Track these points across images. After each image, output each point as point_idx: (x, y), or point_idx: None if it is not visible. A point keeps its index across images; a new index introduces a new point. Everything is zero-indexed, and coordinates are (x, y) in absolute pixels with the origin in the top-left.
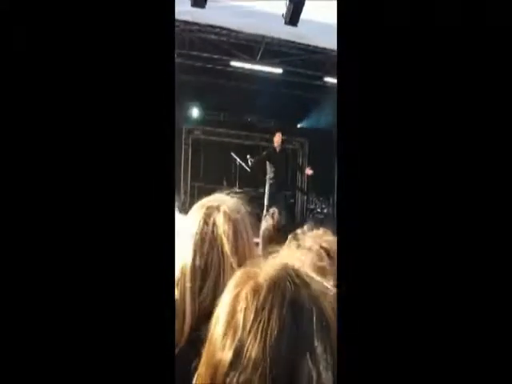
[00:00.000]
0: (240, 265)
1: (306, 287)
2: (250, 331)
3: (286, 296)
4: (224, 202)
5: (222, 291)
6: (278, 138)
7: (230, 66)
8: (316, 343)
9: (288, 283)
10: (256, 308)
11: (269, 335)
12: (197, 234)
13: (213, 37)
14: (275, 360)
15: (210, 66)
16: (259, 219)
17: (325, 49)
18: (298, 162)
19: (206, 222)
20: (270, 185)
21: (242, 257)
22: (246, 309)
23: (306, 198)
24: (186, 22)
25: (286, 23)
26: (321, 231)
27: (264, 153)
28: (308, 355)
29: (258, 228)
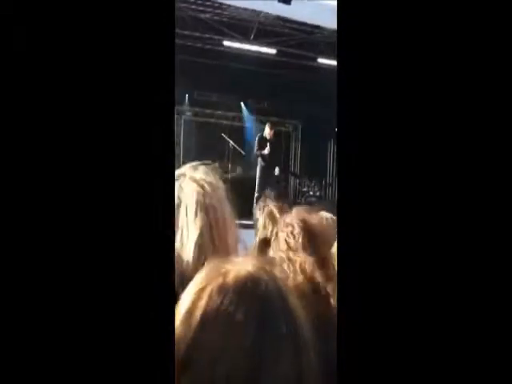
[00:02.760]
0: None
1: (280, 296)
2: (207, 331)
3: (254, 302)
4: (194, 171)
5: (185, 267)
6: (269, 130)
7: (223, 46)
8: (284, 367)
9: (260, 290)
10: (218, 308)
11: (226, 341)
12: None
13: (205, 15)
14: (228, 373)
15: (202, 45)
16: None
17: (319, 29)
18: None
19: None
20: (262, 168)
21: (214, 230)
22: (206, 306)
23: (298, 181)
24: (178, 0)
25: (279, 2)
26: (304, 208)
27: (256, 139)
28: (271, 375)
29: (232, 205)
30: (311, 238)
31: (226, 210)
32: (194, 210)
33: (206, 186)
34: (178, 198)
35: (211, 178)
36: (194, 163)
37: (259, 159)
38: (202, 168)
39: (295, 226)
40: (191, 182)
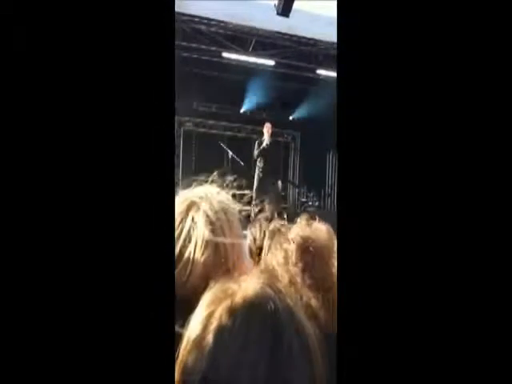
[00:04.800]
0: (221, 267)
1: (288, 312)
2: (221, 355)
3: (265, 320)
4: (209, 198)
5: (185, 296)
6: (267, 129)
7: (222, 58)
8: (299, 381)
9: (269, 307)
10: (230, 331)
11: (243, 366)
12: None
13: (205, 28)
14: None
15: (201, 57)
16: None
17: (318, 41)
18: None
19: (184, 217)
20: (259, 177)
21: (224, 258)
22: (218, 330)
23: (297, 191)
24: (177, 13)
25: (278, 14)
26: (303, 223)
27: (261, 147)
28: None
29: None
30: (312, 257)
31: (238, 237)
32: (201, 250)
33: (219, 223)
34: (190, 235)
35: (224, 205)
36: (206, 188)
37: (257, 169)
38: (214, 194)
39: (296, 242)
40: (204, 218)
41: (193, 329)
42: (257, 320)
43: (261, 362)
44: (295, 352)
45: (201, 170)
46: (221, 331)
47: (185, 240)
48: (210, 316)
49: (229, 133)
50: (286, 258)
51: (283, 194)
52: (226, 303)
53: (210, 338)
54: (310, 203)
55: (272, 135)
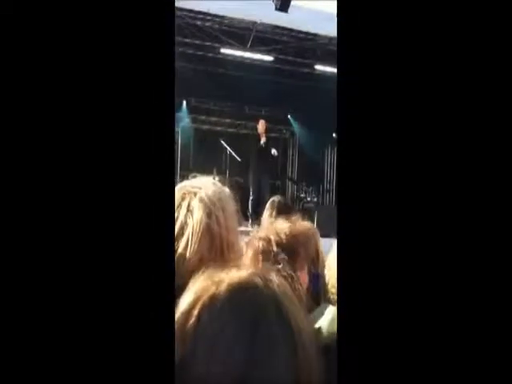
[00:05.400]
0: (215, 253)
1: (274, 300)
2: (199, 342)
3: (245, 307)
4: (205, 187)
5: (180, 281)
6: (261, 127)
7: (220, 53)
8: (279, 369)
9: (250, 293)
10: (210, 317)
11: (218, 351)
12: None
13: (203, 23)
14: (222, 380)
15: (199, 52)
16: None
17: (316, 36)
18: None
19: (179, 205)
20: (257, 174)
21: (218, 247)
22: (200, 315)
23: (296, 187)
24: (175, 8)
25: (276, 9)
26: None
27: (259, 145)
28: (266, 377)
29: (241, 215)
30: (288, 252)
31: (233, 226)
32: (197, 237)
33: (215, 211)
34: (186, 222)
35: (220, 195)
36: (202, 179)
37: (254, 167)
38: (209, 184)
39: (268, 240)
40: (200, 205)
41: (178, 316)
42: (236, 308)
43: (239, 345)
44: (276, 342)
45: (198, 166)
46: (202, 317)
47: (181, 226)
48: (195, 302)
49: (227, 129)
50: (260, 255)
51: (280, 190)
52: (211, 290)
53: (192, 323)
54: (309, 199)
55: (267, 131)
